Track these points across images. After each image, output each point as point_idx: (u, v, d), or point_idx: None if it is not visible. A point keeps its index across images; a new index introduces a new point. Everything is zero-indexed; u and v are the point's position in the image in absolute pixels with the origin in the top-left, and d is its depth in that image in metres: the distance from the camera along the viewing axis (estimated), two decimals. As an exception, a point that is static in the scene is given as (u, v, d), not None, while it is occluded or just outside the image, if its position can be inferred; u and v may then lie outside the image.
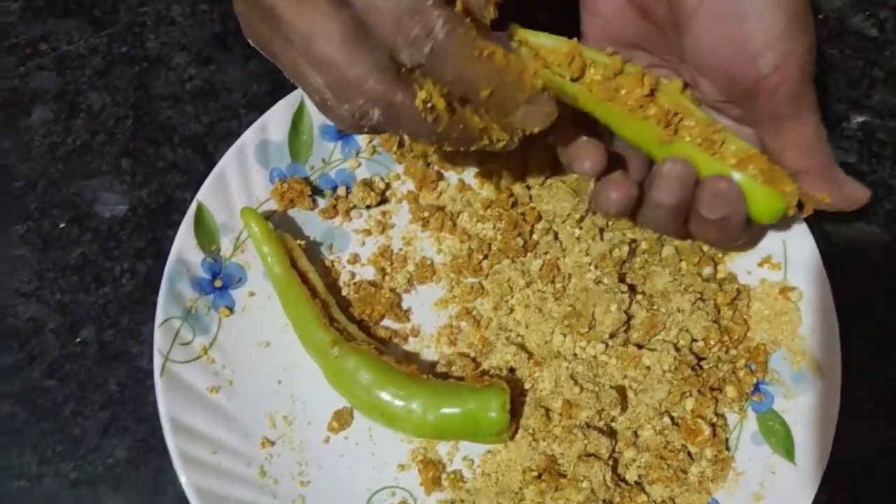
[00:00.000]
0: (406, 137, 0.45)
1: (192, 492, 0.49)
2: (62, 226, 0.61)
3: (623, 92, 0.45)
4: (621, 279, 0.54)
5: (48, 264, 0.60)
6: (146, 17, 0.67)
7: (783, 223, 0.54)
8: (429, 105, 0.39)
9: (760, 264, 0.56)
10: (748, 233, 0.49)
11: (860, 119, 0.63)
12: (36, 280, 0.60)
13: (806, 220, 0.55)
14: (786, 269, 0.55)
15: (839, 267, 0.57)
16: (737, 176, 0.45)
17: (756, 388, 0.54)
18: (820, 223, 0.59)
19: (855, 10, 0.66)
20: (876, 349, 0.57)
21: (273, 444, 0.53)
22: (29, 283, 0.60)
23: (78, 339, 0.58)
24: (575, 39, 0.46)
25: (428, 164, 0.59)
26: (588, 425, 0.51)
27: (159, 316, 0.53)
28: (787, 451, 0.52)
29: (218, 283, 0.56)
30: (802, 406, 0.52)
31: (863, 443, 0.55)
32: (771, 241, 0.56)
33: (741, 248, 0.56)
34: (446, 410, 0.50)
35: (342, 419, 0.54)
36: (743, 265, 0.56)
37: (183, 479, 0.50)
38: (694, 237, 0.51)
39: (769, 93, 0.43)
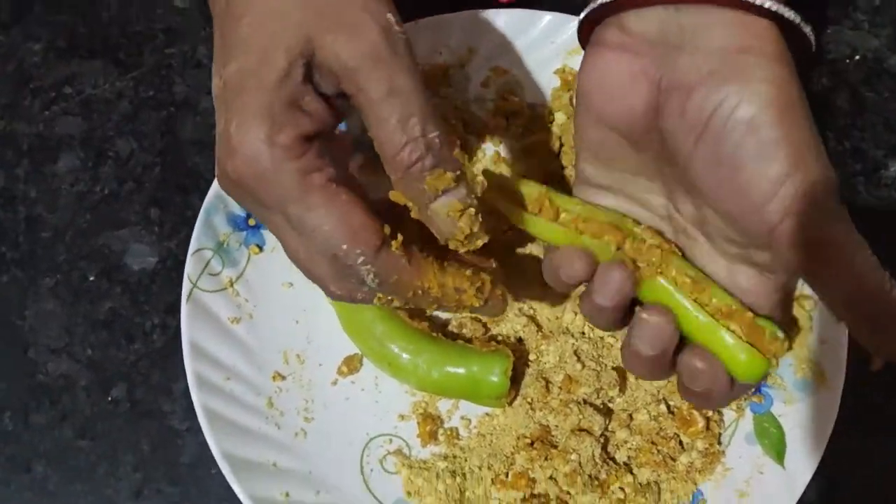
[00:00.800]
0: None
1: (201, 412, 0.52)
2: (91, 279, 0.60)
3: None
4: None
5: (78, 318, 0.59)
6: (172, 59, 0.65)
7: None
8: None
9: None
10: (740, 390, 0.44)
11: (893, 168, 0.62)
12: (66, 336, 0.59)
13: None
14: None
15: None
16: (721, 334, 0.42)
17: (758, 389, 0.54)
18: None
19: (893, 50, 0.65)
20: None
21: (284, 378, 0.56)
22: (59, 338, 0.59)
23: (109, 398, 0.58)
24: (545, 187, 0.44)
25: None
26: (585, 401, 0.52)
27: (193, 245, 0.56)
28: (778, 453, 0.52)
29: (251, 222, 0.58)
30: (800, 412, 0.53)
31: (864, 455, 0.54)
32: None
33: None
34: (450, 369, 0.52)
35: (351, 365, 0.56)
36: None
37: (195, 399, 0.53)
38: (682, 397, 0.47)
39: (787, 244, 0.37)
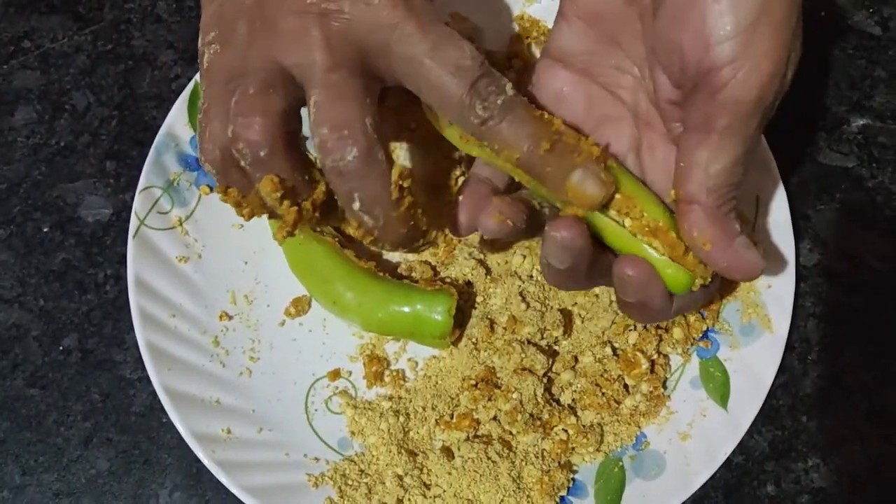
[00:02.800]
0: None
1: (144, 346, 0.52)
2: (45, 230, 0.60)
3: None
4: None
5: (31, 270, 0.59)
6: (131, 13, 0.66)
7: (762, 184, 0.55)
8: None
9: None
10: (686, 303, 0.45)
11: (861, 122, 0.62)
12: (19, 286, 0.59)
13: (801, 221, 0.56)
14: (754, 224, 0.56)
15: (837, 276, 0.57)
16: (648, 250, 0.42)
17: (705, 334, 0.55)
18: (818, 231, 0.59)
19: (857, 7, 0.65)
20: (871, 361, 0.56)
21: (230, 318, 0.56)
22: (11, 289, 0.59)
23: (61, 347, 0.57)
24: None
25: None
26: (529, 342, 0.52)
27: (141, 182, 0.56)
28: (722, 396, 0.53)
29: None
30: (745, 357, 0.53)
31: (855, 457, 0.54)
32: (744, 197, 0.56)
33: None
34: (394, 308, 0.52)
35: (299, 306, 0.56)
36: None
37: (139, 336, 0.53)
38: (623, 314, 0.48)
39: (712, 89, 0.38)
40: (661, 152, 0.45)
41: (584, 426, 0.52)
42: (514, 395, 0.51)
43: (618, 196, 0.42)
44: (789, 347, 0.55)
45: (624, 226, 0.42)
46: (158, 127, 0.57)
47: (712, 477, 0.51)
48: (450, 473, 0.51)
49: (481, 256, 0.56)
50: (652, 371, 0.53)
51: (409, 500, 0.50)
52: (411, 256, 0.57)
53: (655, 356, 0.53)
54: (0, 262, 0.59)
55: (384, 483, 0.51)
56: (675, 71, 0.40)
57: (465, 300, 0.54)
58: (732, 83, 0.37)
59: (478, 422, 0.52)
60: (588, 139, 0.42)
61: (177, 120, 0.57)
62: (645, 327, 0.53)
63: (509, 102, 0.40)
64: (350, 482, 0.51)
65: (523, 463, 0.51)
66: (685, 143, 0.40)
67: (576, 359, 0.53)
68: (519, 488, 0.50)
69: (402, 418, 0.52)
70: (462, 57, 0.39)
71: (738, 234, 0.41)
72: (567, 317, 0.53)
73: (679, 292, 0.43)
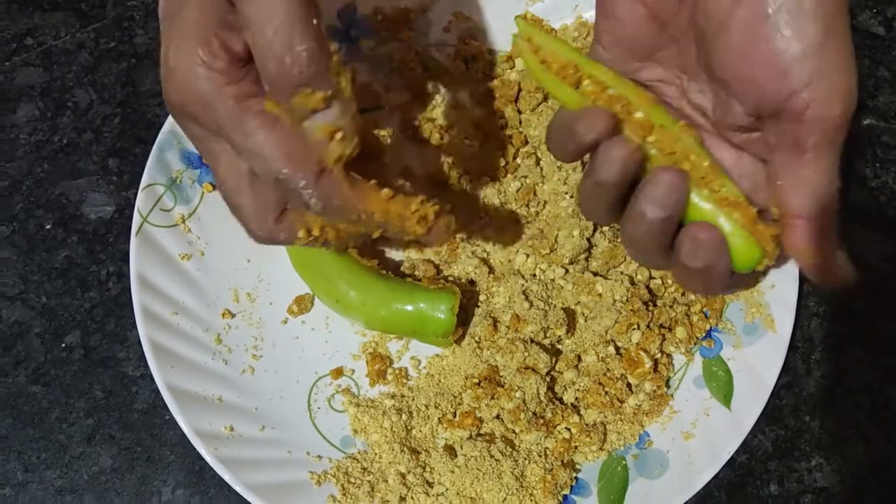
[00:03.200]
0: None
1: (147, 344, 0.52)
2: (48, 227, 0.60)
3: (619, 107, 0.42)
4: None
5: (33, 267, 0.59)
6: (134, 11, 0.65)
7: None
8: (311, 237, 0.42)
9: None
10: (738, 282, 0.45)
11: (865, 122, 0.62)
12: (21, 283, 0.59)
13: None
14: None
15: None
16: (722, 221, 0.42)
17: (708, 334, 0.55)
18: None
19: (861, 8, 0.65)
20: (874, 361, 0.56)
21: (233, 316, 0.56)
22: (14, 286, 0.59)
23: (63, 344, 0.57)
24: (577, 55, 0.42)
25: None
26: (532, 340, 0.52)
27: (144, 180, 0.56)
28: (726, 396, 0.53)
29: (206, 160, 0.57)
30: (749, 356, 0.53)
31: (858, 455, 0.54)
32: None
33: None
34: (398, 306, 0.52)
35: (302, 304, 0.56)
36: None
37: (141, 333, 0.53)
38: (679, 284, 0.48)
39: (797, 113, 0.38)
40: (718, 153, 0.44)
41: (587, 425, 0.52)
42: (518, 394, 0.51)
43: (704, 164, 0.41)
44: (793, 347, 0.55)
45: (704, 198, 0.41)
46: (161, 124, 0.57)
47: (715, 476, 0.51)
48: (452, 472, 0.51)
49: (484, 255, 0.56)
50: (655, 370, 0.53)
51: (411, 498, 0.50)
52: (414, 255, 0.57)
53: (659, 355, 0.53)
54: (2, 259, 0.59)
55: (387, 481, 0.51)
56: (752, 101, 0.40)
57: (468, 299, 0.54)
58: (814, 104, 0.38)
59: (481, 420, 0.52)
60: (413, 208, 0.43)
61: (180, 117, 0.57)
62: (648, 326, 0.53)
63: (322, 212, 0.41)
64: (353, 480, 0.51)
65: (526, 461, 0.51)
66: (780, 162, 0.40)
67: (579, 358, 0.53)
68: (522, 487, 0.50)
69: (404, 416, 0.52)
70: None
71: (838, 246, 0.41)
72: (570, 316, 0.53)
73: (744, 268, 0.42)
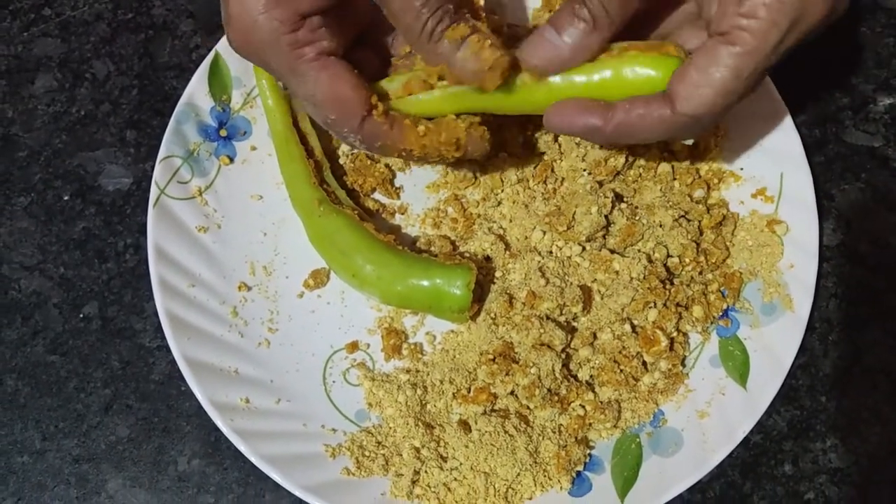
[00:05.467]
0: None
1: (164, 315, 0.53)
2: (66, 198, 0.60)
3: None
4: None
5: (52, 238, 0.59)
6: (151, -18, 0.65)
7: (787, 163, 0.55)
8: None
9: (755, 195, 0.56)
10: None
11: (888, 101, 0.61)
12: (39, 254, 0.59)
13: (825, 200, 0.56)
14: (778, 203, 0.55)
15: (860, 257, 0.57)
16: (624, 71, 0.46)
17: (725, 313, 0.54)
18: (842, 211, 0.58)
19: None
20: (892, 342, 0.56)
21: (249, 289, 0.56)
22: (32, 256, 0.59)
23: (81, 315, 0.58)
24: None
25: None
26: (548, 317, 0.52)
27: (162, 152, 0.56)
28: (742, 375, 0.53)
29: (223, 133, 0.58)
30: (766, 336, 0.53)
31: (874, 436, 0.54)
32: (769, 174, 0.56)
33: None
34: (413, 281, 0.52)
35: (318, 278, 0.56)
36: (737, 194, 0.57)
37: (158, 304, 0.53)
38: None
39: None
40: None
41: (601, 402, 0.52)
42: (532, 371, 0.51)
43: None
44: (810, 327, 0.55)
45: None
46: (178, 97, 0.57)
47: (730, 455, 0.51)
48: (467, 447, 0.51)
49: (501, 232, 0.56)
50: (671, 349, 0.53)
51: (425, 472, 0.51)
52: (430, 230, 0.57)
53: (675, 334, 0.53)
54: (21, 229, 0.60)
55: (401, 455, 0.51)
56: None
57: (484, 275, 0.54)
58: None
59: (495, 396, 0.52)
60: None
61: (197, 90, 0.57)
62: (665, 304, 0.53)
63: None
64: (367, 453, 0.51)
65: (540, 438, 0.51)
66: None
67: (594, 335, 0.53)
68: (536, 462, 0.50)
69: (419, 391, 0.53)
70: None
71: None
72: (587, 293, 0.53)
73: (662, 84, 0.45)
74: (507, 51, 0.45)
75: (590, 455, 0.52)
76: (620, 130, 0.46)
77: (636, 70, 0.45)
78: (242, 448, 0.50)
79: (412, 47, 0.46)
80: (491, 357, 0.52)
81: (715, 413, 0.52)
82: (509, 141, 0.57)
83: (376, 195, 0.58)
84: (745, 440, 0.52)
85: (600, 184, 0.55)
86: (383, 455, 0.51)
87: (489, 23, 0.59)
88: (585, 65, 0.46)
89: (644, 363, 0.53)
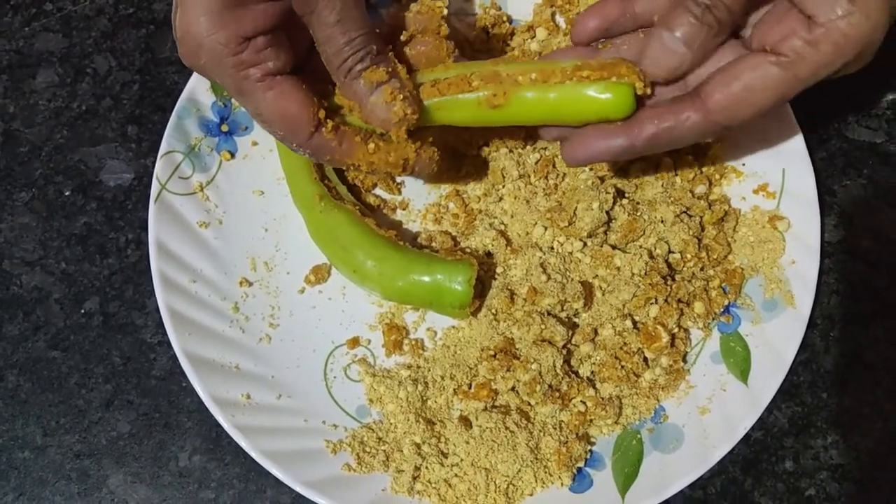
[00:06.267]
0: None
1: (165, 311, 0.53)
2: (67, 194, 0.60)
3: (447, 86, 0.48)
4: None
5: (53, 233, 0.59)
6: (152, -23, 0.65)
7: (788, 158, 0.55)
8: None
9: (756, 191, 0.56)
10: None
11: (891, 97, 0.61)
12: (41, 249, 0.59)
13: (827, 196, 0.56)
14: (780, 199, 0.55)
15: (861, 253, 0.57)
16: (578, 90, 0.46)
17: (726, 309, 0.54)
18: (844, 207, 0.58)
19: None
20: (893, 339, 0.56)
21: (251, 285, 0.56)
22: (33, 251, 0.59)
23: (82, 311, 0.58)
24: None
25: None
26: (549, 313, 0.52)
27: (163, 147, 0.56)
28: (743, 372, 0.53)
29: (224, 128, 0.58)
30: (767, 333, 0.53)
31: (875, 433, 0.54)
32: (771, 170, 0.56)
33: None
34: (414, 277, 0.52)
35: (319, 274, 0.56)
36: (739, 190, 0.57)
37: (160, 300, 0.53)
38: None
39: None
40: None
41: (602, 398, 0.52)
42: (533, 366, 0.50)
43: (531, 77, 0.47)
44: (811, 324, 0.55)
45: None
46: (180, 92, 0.57)
47: (731, 451, 0.51)
48: (467, 442, 0.51)
49: (502, 227, 0.56)
50: (672, 345, 0.52)
51: (426, 467, 0.51)
52: (431, 226, 0.57)
53: (676, 330, 0.53)
54: (22, 224, 0.60)
55: (402, 451, 0.51)
56: None
57: (485, 271, 0.54)
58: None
59: (496, 392, 0.52)
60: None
61: (198, 85, 0.57)
62: (666, 300, 0.53)
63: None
64: (368, 449, 0.51)
65: (541, 434, 0.51)
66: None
67: (596, 331, 0.53)
68: (536, 459, 0.50)
69: (420, 387, 0.53)
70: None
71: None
72: (588, 289, 0.53)
73: (623, 106, 0.46)
74: (418, 103, 0.47)
75: (590, 451, 0.52)
76: (651, 143, 0.46)
77: (589, 93, 0.46)
78: (243, 444, 0.50)
79: (332, 77, 0.47)
80: (492, 353, 0.52)
81: (716, 409, 0.52)
82: (511, 135, 0.57)
83: (377, 191, 0.58)
84: (746, 436, 0.51)
85: (602, 179, 0.55)
86: (384, 451, 0.51)
87: (491, 17, 0.59)
88: (538, 83, 0.47)
89: (645, 359, 0.53)
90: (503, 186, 0.57)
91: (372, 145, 0.48)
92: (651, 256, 0.53)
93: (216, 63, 0.44)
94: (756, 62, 0.44)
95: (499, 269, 0.55)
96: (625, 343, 0.52)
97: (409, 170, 0.50)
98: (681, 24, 0.44)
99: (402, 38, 0.50)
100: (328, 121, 0.47)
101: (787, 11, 0.44)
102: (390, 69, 0.46)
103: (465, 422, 0.52)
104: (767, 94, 0.44)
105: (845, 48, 0.42)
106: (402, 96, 0.46)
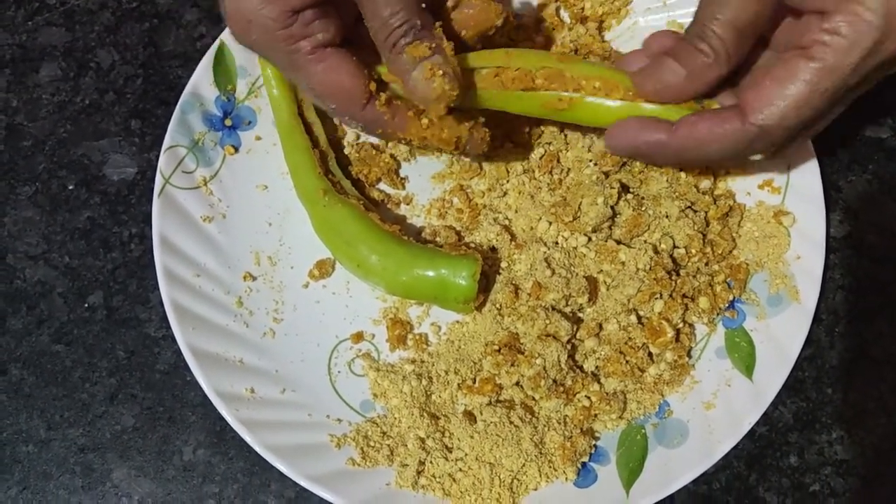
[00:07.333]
0: None
1: (169, 305, 0.53)
2: (71, 188, 0.60)
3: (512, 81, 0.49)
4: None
5: (56, 227, 0.59)
6: (156, -30, 0.65)
7: (794, 153, 0.55)
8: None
9: (761, 186, 0.56)
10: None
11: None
12: (44, 243, 0.59)
13: (832, 192, 0.56)
14: (785, 194, 0.55)
15: (867, 248, 0.57)
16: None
17: (731, 304, 0.54)
18: (849, 203, 0.58)
19: None
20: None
21: (254, 279, 0.56)
22: (37, 245, 0.59)
23: (86, 305, 0.58)
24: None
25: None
26: (553, 308, 0.52)
27: (166, 141, 0.56)
28: (748, 367, 0.52)
29: (228, 122, 0.58)
30: (772, 328, 0.53)
31: (880, 428, 0.54)
32: (776, 165, 0.56)
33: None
34: (418, 271, 0.52)
35: (323, 269, 0.56)
36: (744, 185, 0.57)
37: (164, 294, 0.53)
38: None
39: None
40: None
41: (607, 393, 0.52)
42: (538, 361, 0.50)
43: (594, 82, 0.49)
44: (817, 319, 0.54)
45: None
46: (183, 86, 0.57)
47: (735, 447, 0.51)
48: (472, 437, 0.51)
49: (506, 222, 0.56)
50: (677, 340, 0.52)
51: (430, 462, 0.51)
52: (436, 221, 0.57)
53: (681, 325, 0.53)
54: (26, 219, 0.60)
55: (406, 445, 0.51)
56: None
57: (489, 265, 0.54)
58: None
59: (500, 387, 0.52)
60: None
61: (202, 79, 0.57)
62: (671, 295, 0.52)
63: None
64: (372, 443, 0.51)
65: (545, 428, 0.51)
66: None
67: (600, 326, 0.53)
68: (541, 453, 0.50)
69: (424, 382, 0.53)
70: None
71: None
72: (592, 284, 0.53)
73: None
74: (459, 81, 0.46)
75: (595, 446, 0.52)
76: (687, 144, 0.46)
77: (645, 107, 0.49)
78: (247, 438, 0.50)
79: (378, 51, 0.47)
80: (496, 348, 0.52)
81: (721, 404, 0.52)
82: (515, 130, 0.57)
83: (381, 185, 0.58)
84: (751, 432, 0.51)
85: (606, 174, 0.55)
86: (388, 445, 0.51)
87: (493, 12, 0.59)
88: (600, 93, 0.49)
89: (650, 354, 0.53)
90: (508, 181, 0.57)
91: (426, 121, 0.49)
92: (656, 251, 0.53)
93: (267, 38, 0.45)
94: (786, 59, 0.44)
95: (503, 264, 0.55)
96: (629, 338, 0.52)
97: (461, 148, 0.50)
98: (681, 51, 0.47)
99: (450, 2, 0.49)
100: (381, 94, 0.47)
101: (801, 18, 0.45)
102: (433, 45, 0.45)
103: (470, 416, 0.52)
104: (800, 89, 0.43)
105: (869, 26, 0.42)
106: (441, 72, 0.45)
